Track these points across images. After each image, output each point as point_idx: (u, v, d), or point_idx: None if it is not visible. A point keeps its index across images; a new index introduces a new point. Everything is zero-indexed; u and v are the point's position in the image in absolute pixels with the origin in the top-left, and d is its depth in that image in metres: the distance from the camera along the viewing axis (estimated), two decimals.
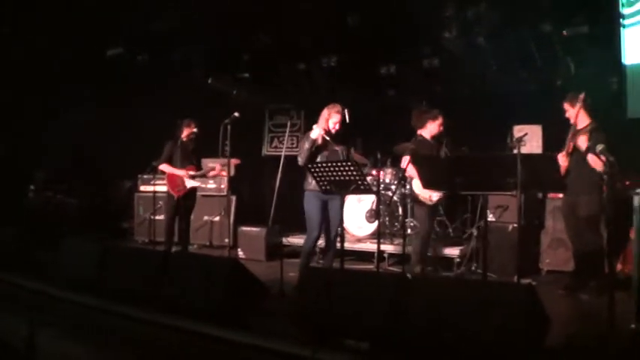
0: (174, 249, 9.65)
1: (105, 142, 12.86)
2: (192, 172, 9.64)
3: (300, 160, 7.48)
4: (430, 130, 8.39)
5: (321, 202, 7.50)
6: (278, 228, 10.38)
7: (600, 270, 7.28)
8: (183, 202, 9.73)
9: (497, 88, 10.62)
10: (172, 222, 9.80)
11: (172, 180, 9.65)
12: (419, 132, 8.57)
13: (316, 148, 7.47)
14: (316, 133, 7.34)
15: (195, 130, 9.77)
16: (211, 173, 9.93)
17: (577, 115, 7.54)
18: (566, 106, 7.64)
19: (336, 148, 7.55)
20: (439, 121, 8.38)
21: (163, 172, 9.80)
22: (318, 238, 7.72)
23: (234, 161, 9.58)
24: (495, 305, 4.38)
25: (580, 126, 7.56)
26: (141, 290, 6.46)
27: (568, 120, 7.68)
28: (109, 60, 11.95)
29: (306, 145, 7.36)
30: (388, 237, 10.19)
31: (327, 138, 7.43)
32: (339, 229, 7.15)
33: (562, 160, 7.41)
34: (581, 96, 7.48)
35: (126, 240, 12.58)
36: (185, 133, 9.78)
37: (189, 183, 9.64)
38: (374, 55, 11.38)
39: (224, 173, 9.89)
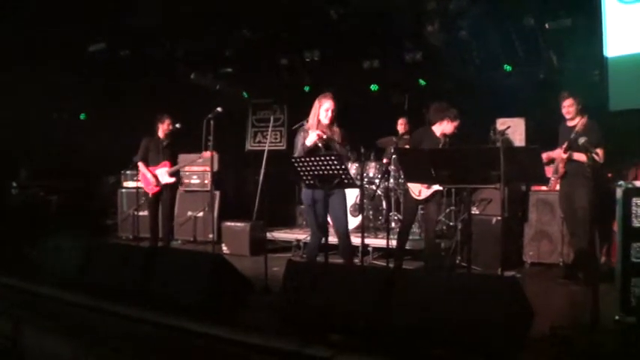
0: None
1: (88, 139, 12.81)
2: (167, 169, 9.67)
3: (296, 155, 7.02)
4: (444, 128, 8.29)
5: (315, 199, 7.09)
6: (262, 223, 10.36)
7: (592, 261, 7.32)
8: (159, 199, 9.84)
9: (480, 81, 10.64)
10: (153, 219, 9.89)
11: (145, 178, 9.79)
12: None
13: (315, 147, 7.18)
14: (311, 140, 6.96)
15: (170, 126, 9.80)
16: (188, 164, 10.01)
17: (577, 111, 7.65)
18: (570, 101, 7.67)
19: (334, 143, 7.13)
20: (456, 123, 8.28)
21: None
22: (320, 239, 7.17)
23: (208, 154, 9.61)
24: (479, 298, 4.40)
25: (575, 122, 7.65)
26: (125, 287, 6.43)
27: (551, 113, 7.74)
28: (92, 55, 11.91)
29: (306, 147, 6.99)
30: (372, 231, 10.20)
31: (324, 137, 7.03)
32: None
33: (559, 153, 7.51)
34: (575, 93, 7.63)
35: (110, 236, 12.53)
36: (160, 130, 9.86)
37: (164, 179, 9.70)
38: (357, 49, 11.39)
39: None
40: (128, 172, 12.26)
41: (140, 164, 9.79)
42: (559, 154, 7.58)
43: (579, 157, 7.23)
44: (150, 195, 9.81)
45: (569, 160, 7.55)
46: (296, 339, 4.80)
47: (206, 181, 11.66)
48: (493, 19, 9.77)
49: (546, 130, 7.66)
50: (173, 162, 9.84)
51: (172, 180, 9.81)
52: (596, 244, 7.55)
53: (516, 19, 9.67)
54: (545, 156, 7.49)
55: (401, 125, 10.58)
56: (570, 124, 7.67)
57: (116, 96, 12.97)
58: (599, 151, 6.99)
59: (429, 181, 7.20)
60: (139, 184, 10.18)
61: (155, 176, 9.67)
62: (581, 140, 6.77)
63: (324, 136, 6.97)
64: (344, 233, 7.19)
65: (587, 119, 7.58)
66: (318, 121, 7.08)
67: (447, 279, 5.35)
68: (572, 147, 7.38)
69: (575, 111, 7.64)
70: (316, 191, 6.84)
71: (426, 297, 4.68)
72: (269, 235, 10.19)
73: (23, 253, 8.77)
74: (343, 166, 6.13)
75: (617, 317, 5.31)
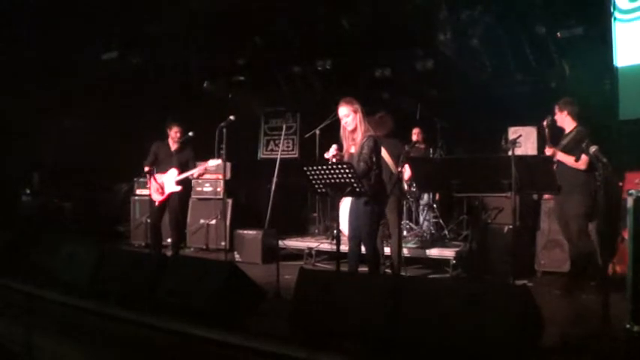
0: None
1: (101, 146, 12.87)
2: (174, 176, 9.69)
3: None
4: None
5: (350, 205, 7.15)
6: (274, 231, 10.39)
7: (594, 270, 7.32)
8: (165, 207, 9.82)
9: (491, 90, 10.64)
10: (154, 227, 9.92)
11: (152, 185, 9.79)
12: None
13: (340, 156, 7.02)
14: (330, 153, 6.93)
15: (178, 134, 9.82)
16: (195, 174, 9.96)
17: (563, 120, 7.79)
18: (556, 109, 7.84)
19: (352, 151, 6.97)
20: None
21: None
22: (352, 244, 7.13)
23: (214, 162, 9.54)
24: (490, 307, 4.40)
25: (567, 130, 7.74)
26: (137, 293, 6.46)
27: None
28: (106, 63, 11.97)
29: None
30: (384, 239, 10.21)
31: (337, 157, 6.92)
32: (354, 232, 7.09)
33: (549, 151, 7.56)
34: (569, 102, 7.77)
35: (122, 243, 12.56)
36: (169, 136, 9.88)
37: (169, 188, 9.69)
38: (369, 57, 11.42)
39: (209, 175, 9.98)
40: (141, 179, 12.28)
41: (147, 168, 9.83)
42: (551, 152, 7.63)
43: (582, 164, 7.26)
44: (156, 203, 9.75)
45: (559, 164, 7.57)
46: (307, 346, 4.83)
47: (218, 189, 11.70)
48: (504, 27, 9.78)
49: (558, 139, 7.66)
50: (181, 169, 9.77)
51: (179, 188, 9.75)
52: (605, 252, 7.53)
53: (528, 28, 9.67)
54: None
55: (415, 135, 10.60)
56: (565, 132, 7.80)
57: (130, 104, 13.01)
58: (582, 157, 7.08)
59: (440, 190, 7.22)
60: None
61: (161, 186, 9.69)
62: (592, 149, 6.78)
63: (337, 157, 6.94)
64: (365, 242, 7.08)
65: (576, 127, 7.67)
66: (344, 129, 7.04)
67: (458, 287, 5.36)
68: (581, 154, 7.41)
69: (560, 118, 7.78)
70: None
71: (437, 305, 4.69)
72: (281, 243, 10.23)
73: (35, 260, 8.81)
74: (355, 175, 6.12)
75: (627, 326, 5.30)
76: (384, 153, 8.29)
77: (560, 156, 7.49)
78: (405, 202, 10.18)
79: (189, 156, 9.87)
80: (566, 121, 7.75)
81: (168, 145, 9.87)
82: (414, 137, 10.51)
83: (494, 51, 10.11)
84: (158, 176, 9.68)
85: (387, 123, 8.51)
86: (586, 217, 7.49)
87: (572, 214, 7.52)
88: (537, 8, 9.35)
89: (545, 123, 7.67)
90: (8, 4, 10.39)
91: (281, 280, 7.24)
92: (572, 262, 7.92)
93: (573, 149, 7.35)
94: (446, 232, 10.26)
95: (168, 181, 9.64)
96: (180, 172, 9.71)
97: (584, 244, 7.48)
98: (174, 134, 9.80)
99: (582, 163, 7.18)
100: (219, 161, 9.26)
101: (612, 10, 8.93)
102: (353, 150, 6.90)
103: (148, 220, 10.85)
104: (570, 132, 7.68)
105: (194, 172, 9.78)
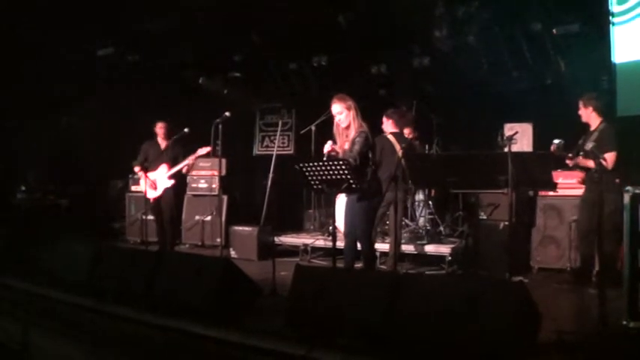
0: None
1: (96, 142, 12.84)
2: (165, 171, 9.72)
3: None
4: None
5: (346, 202, 7.18)
6: (270, 227, 10.38)
7: (613, 265, 7.28)
8: (161, 203, 9.85)
9: (487, 86, 10.63)
10: (159, 224, 9.97)
11: (145, 183, 9.79)
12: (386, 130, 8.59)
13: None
14: (326, 148, 6.99)
15: (163, 129, 9.94)
16: (185, 168, 9.97)
17: (589, 116, 7.74)
18: (580, 105, 7.79)
19: (346, 147, 6.95)
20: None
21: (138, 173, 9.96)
22: (348, 240, 7.15)
23: (204, 150, 9.50)
24: (487, 303, 4.40)
25: (592, 127, 7.72)
26: (133, 290, 6.45)
27: (558, 118, 7.77)
28: (101, 60, 11.93)
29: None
30: (380, 235, 10.19)
31: (332, 153, 6.99)
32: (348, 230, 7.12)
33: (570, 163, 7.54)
34: (593, 97, 7.75)
35: (118, 240, 12.54)
36: (157, 133, 9.96)
37: (162, 183, 9.72)
38: (365, 54, 11.40)
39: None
40: (136, 176, 12.25)
41: (136, 168, 9.87)
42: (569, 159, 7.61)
43: (585, 162, 7.25)
44: (151, 201, 9.83)
45: (582, 166, 7.58)
46: (304, 343, 4.82)
47: (214, 186, 11.70)
48: (501, 24, 9.77)
49: (554, 136, 7.64)
50: (173, 165, 9.79)
51: (171, 183, 9.77)
52: (602, 249, 7.53)
53: (524, 25, 9.66)
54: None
55: (407, 135, 10.60)
56: (591, 128, 7.74)
57: (125, 100, 12.98)
58: (607, 156, 7.00)
59: (437, 187, 7.21)
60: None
61: (153, 182, 9.70)
62: (589, 146, 6.78)
63: (333, 153, 6.95)
64: (360, 240, 7.07)
65: (601, 123, 7.61)
66: (337, 126, 7.06)
67: (454, 284, 5.36)
68: (579, 152, 7.40)
69: (585, 114, 7.71)
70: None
71: (433, 302, 4.69)
72: (277, 239, 10.23)
73: (31, 257, 8.79)
74: (351, 171, 6.11)
75: (624, 322, 5.31)
76: (397, 147, 8.34)
77: (583, 163, 7.46)
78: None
79: (178, 153, 9.87)
80: (591, 117, 7.71)
81: (158, 143, 9.93)
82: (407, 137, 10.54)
83: (490, 48, 10.10)
84: (150, 174, 9.67)
85: (409, 119, 8.53)
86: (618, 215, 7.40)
87: (610, 210, 7.45)
88: (533, 5, 9.34)
89: (553, 148, 7.49)
90: (8, 4, 10.35)
91: (277, 277, 7.25)
92: (583, 259, 7.88)
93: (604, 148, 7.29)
94: (441, 228, 10.25)
95: (161, 177, 9.65)
96: (171, 167, 9.70)
97: (612, 240, 7.40)
98: (159, 130, 9.90)
99: (609, 162, 7.11)
100: (208, 148, 9.24)
101: (610, 16, 8.94)
102: (347, 146, 6.89)
103: (144, 217, 10.82)
104: (595, 130, 7.62)
105: (185, 163, 9.75)
